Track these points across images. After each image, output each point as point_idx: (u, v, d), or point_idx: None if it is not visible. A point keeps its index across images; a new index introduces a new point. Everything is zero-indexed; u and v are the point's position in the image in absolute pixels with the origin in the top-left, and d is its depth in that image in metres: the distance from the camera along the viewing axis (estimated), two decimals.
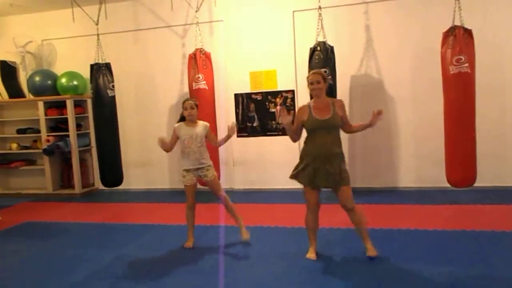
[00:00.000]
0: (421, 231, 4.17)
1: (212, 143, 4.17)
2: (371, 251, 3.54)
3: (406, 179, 5.90)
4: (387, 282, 3.18)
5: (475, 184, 4.98)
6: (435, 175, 5.51)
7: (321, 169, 3.47)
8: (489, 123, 5.41)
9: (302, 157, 3.60)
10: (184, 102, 4.06)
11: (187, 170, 4.04)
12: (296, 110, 3.71)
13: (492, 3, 5.45)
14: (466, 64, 4.68)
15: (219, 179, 5.94)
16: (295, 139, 3.69)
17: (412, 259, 3.51)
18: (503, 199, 5.07)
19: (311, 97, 3.73)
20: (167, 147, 4.09)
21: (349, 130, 3.69)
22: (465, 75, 4.70)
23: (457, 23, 4.78)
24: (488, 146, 5.37)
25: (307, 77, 3.63)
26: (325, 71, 5.28)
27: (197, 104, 4.08)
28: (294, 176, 3.65)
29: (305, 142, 3.61)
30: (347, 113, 3.77)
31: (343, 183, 3.50)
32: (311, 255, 3.65)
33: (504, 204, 4.91)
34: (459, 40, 4.71)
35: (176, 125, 4.11)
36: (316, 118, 3.49)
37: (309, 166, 3.51)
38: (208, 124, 4.15)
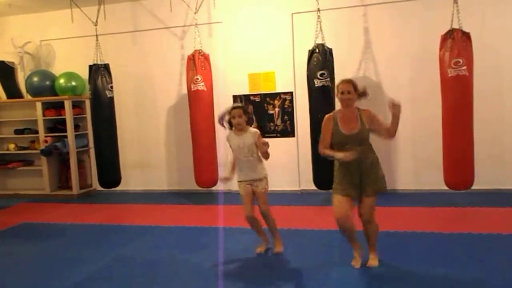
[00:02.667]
0: (418, 234, 4.18)
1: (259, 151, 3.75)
2: (373, 261, 3.47)
3: (404, 182, 5.91)
4: (385, 284, 3.18)
5: (473, 187, 4.99)
6: (433, 178, 5.51)
7: (354, 182, 3.31)
8: (487, 126, 5.42)
9: (336, 171, 3.42)
10: (232, 109, 3.75)
11: (240, 181, 3.80)
12: (323, 121, 3.43)
13: (490, 6, 5.46)
14: (464, 67, 4.70)
15: (216, 182, 5.98)
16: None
17: (410, 262, 3.51)
18: (501, 202, 5.08)
19: (341, 104, 3.43)
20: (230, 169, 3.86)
21: (388, 135, 3.36)
22: (463, 78, 4.72)
23: (455, 26, 4.79)
24: (486, 149, 5.38)
25: (337, 85, 3.42)
26: (323, 73, 5.32)
27: (246, 110, 3.77)
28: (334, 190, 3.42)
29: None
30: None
31: (369, 194, 3.33)
32: (355, 262, 3.47)
33: (502, 207, 4.92)
34: (457, 43, 4.73)
35: (227, 135, 3.86)
36: (343, 133, 3.30)
37: (344, 182, 3.34)
38: (257, 131, 3.79)
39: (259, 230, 3.92)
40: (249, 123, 3.84)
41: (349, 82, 3.37)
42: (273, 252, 3.88)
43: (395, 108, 3.23)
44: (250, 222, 3.83)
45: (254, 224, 3.87)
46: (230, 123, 3.79)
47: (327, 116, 3.46)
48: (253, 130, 3.79)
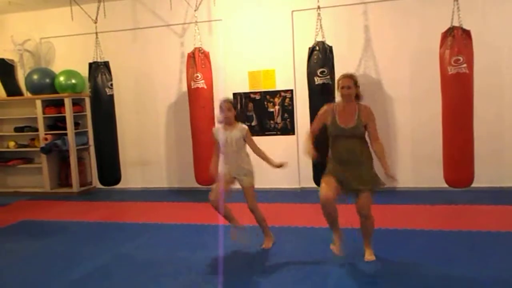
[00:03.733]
0: (418, 231, 4.18)
1: (251, 149, 3.83)
2: (370, 255, 3.51)
3: (404, 179, 5.89)
4: (384, 282, 3.19)
5: (473, 185, 4.99)
6: (433, 176, 5.51)
7: (345, 174, 3.38)
8: (487, 124, 5.42)
9: (328, 161, 3.50)
10: (221, 103, 3.81)
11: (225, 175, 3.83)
12: (321, 109, 3.55)
13: (490, 4, 5.46)
14: (465, 65, 4.69)
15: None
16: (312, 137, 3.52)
17: (409, 259, 3.52)
18: (500, 200, 5.08)
19: (342, 99, 3.50)
20: (215, 164, 3.88)
21: (374, 146, 3.44)
22: (463, 75, 4.71)
23: (456, 23, 4.79)
24: (486, 146, 5.38)
25: (338, 80, 3.51)
26: (323, 71, 5.31)
27: (235, 105, 3.81)
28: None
29: (330, 147, 3.51)
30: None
31: (364, 189, 3.37)
32: (334, 247, 3.56)
33: (501, 205, 4.92)
34: (457, 40, 4.72)
35: (214, 128, 3.91)
36: (339, 126, 3.39)
37: (335, 169, 3.43)
38: (246, 127, 3.85)
39: (228, 215, 3.88)
40: (239, 119, 3.89)
41: (349, 77, 3.46)
42: (261, 247, 3.92)
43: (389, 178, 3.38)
44: (214, 206, 3.76)
45: (219, 208, 3.77)
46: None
47: (327, 105, 3.55)
48: (242, 126, 3.84)
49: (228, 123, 3.81)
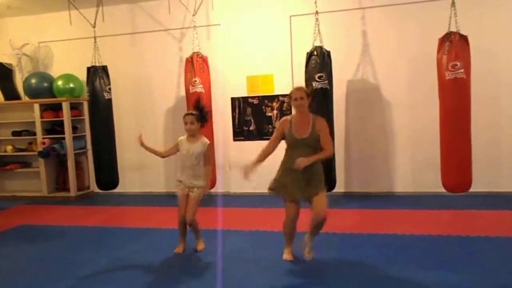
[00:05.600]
0: (416, 236, 4.18)
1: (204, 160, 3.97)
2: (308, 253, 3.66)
3: (402, 184, 5.92)
4: (382, 286, 3.18)
5: (470, 190, 5.00)
6: (431, 180, 5.53)
7: (295, 183, 3.52)
8: (484, 129, 5.43)
9: (280, 169, 3.65)
10: (184, 116, 3.95)
11: (180, 181, 3.96)
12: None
13: (488, 10, 5.49)
14: (462, 70, 4.71)
15: (214, 184, 5.98)
16: (269, 151, 3.67)
17: (407, 264, 3.51)
18: (498, 205, 5.10)
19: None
20: (159, 154, 4.08)
21: (321, 151, 3.56)
22: (460, 80, 4.73)
23: (453, 29, 4.81)
24: (483, 151, 5.39)
25: (290, 93, 3.66)
26: (321, 76, 5.32)
27: (198, 118, 3.91)
28: (272, 189, 3.70)
29: (285, 155, 3.64)
30: (329, 129, 3.73)
31: (314, 193, 3.53)
32: (287, 256, 3.73)
33: (499, 210, 4.93)
34: (455, 46, 4.74)
35: (179, 138, 4.03)
36: (294, 136, 3.54)
37: (285, 178, 3.57)
38: (207, 142, 3.97)
39: (184, 233, 4.05)
40: (203, 121, 4.00)
41: (300, 89, 3.64)
42: (196, 250, 4.05)
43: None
44: (181, 223, 3.97)
45: (182, 227, 4.00)
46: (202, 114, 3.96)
47: (284, 118, 3.75)
48: (204, 140, 3.95)
49: (191, 135, 3.92)
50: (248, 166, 3.58)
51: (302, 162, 3.38)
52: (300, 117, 3.59)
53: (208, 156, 3.99)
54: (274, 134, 3.72)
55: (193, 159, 3.88)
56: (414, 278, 3.26)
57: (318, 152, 3.52)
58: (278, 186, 3.63)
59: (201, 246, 4.10)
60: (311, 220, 3.58)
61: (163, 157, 4.20)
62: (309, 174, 3.50)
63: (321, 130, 3.55)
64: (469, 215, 4.88)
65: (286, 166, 3.57)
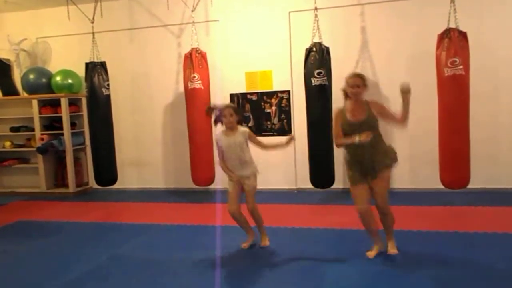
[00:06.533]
0: (414, 232, 4.19)
1: (259, 147, 3.92)
2: (393, 249, 3.63)
3: (400, 181, 5.92)
4: (381, 282, 3.19)
5: (469, 186, 5.01)
6: (429, 177, 5.53)
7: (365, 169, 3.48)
8: (483, 125, 5.44)
9: (347, 164, 3.60)
10: (224, 108, 3.83)
11: (231, 176, 3.87)
12: (334, 113, 3.66)
13: (487, 6, 5.48)
14: (461, 67, 4.71)
15: (213, 180, 5.98)
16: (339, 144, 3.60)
17: (406, 261, 3.52)
18: (496, 201, 5.11)
19: (346, 97, 3.60)
20: (222, 163, 3.93)
21: (400, 121, 3.50)
22: (459, 77, 4.73)
23: (452, 25, 4.80)
24: (482, 148, 5.40)
25: (347, 79, 3.54)
26: (320, 72, 5.32)
27: (237, 110, 3.87)
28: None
29: (345, 149, 3.58)
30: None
31: (379, 175, 3.48)
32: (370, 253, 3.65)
33: (497, 206, 4.94)
34: (454, 42, 4.74)
35: (216, 135, 3.97)
36: (350, 121, 3.46)
37: (356, 169, 3.52)
38: (247, 130, 3.92)
39: (245, 225, 4.01)
40: (241, 122, 3.95)
41: (357, 76, 3.53)
42: (260, 246, 3.98)
43: (404, 90, 3.42)
44: (235, 217, 3.92)
45: (240, 220, 3.95)
46: (218, 120, 3.88)
47: (336, 109, 3.65)
48: (243, 129, 3.89)
49: (230, 128, 3.85)
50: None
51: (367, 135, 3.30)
52: (354, 105, 3.50)
53: (257, 139, 3.92)
54: (335, 129, 3.57)
55: (238, 151, 3.81)
56: (412, 275, 3.27)
57: (377, 134, 3.44)
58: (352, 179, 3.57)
59: (265, 241, 4.00)
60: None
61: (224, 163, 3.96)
62: (376, 156, 3.43)
63: (381, 109, 3.48)
64: (467, 211, 4.89)
65: (350, 157, 3.52)
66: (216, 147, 4.02)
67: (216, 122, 3.94)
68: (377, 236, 3.66)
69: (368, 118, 3.45)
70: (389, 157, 3.54)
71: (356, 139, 3.37)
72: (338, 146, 3.64)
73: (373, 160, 3.46)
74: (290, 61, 6.14)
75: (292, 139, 3.87)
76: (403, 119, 3.48)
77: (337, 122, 3.56)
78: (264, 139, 3.95)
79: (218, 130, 4.06)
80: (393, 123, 3.59)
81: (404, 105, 3.44)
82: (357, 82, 3.47)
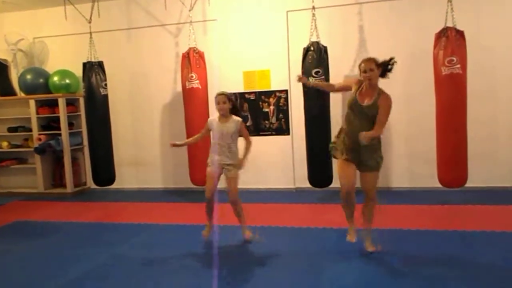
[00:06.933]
0: (412, 231, 4.20)
1: (244, 137, 4.02)
2: (371, 247, 3.64)
3: (398, 180, 5.93)
4: (379, 281, 3.20)
5: (466, 185, 5.03)
6: (427, 176, 5.54)
7: (352, 148, 3.50)
8: (481, 124, 5.45)
9: (339, 135, 3.66)
10: (216, 96, 3.96)
11: (213, 161, 3.99)
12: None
13: (484, 5, 5.49)
14: (458, 65, 4.72)
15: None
16: (332, 86, 3.87)
17: (403, 259, 3.53)
18: (494, 200, 5.12)
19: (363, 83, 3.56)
20: (194, 143, 4.16)
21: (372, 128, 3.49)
22: (457, 76, 4.74)
23: (449, 24, 4.81)
24: (480, 146, 5.41)
25: (360, 66, 3.53)
26: (318, 71, 5.33)
27: (230, 98, 3.96)
28: (331, 149, 3.71)
29: (344, 120, 3.65)
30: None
31: (368, 169, 3.51)
32: (349, 237, 3.72)
33: (495, 205, 4.95)
34: (451, 41, 4.75)
35: (209, 119, 4.11)
36: (356, 101, 3.49)
37: (346, 147, 3.54)
38: (240, 119, 4.00)
39: (211, 214, 4.10)
40: (236, 111, 4.04)
41: (369, 60, 3.51)
42: (245, 239, 4.06)
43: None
44: (209, 202, 4.04)
45: (209, 207, 4.07)
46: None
47: (358, 79, 3.61)
48: (236, 118, 3.97)
49: (223, 115, 3.94)
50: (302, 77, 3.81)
51: (366, 135, 3.29)
52: (369, 88, 3.49)
53: (246, 133, 4.04)
54: (343, 83, 3.69)
55: (228, 138, 3.93)
56: (409, 274, 3.28)
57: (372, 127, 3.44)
58: (335, 149, 3.65)
59: (248, 234, 4.08)
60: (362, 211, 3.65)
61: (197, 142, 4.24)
62: (368, 148, 3.45)
63: (382, 106, 3.45)
64: (465, 210, 4.90)
65: (346, 133, 3.54)
66: (204, 128, 4.12)
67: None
68: (353, 216, 3.74)
69: (371, 106, 3.44)
70: (375, 160, 3.53)
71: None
72: (313, 83, 3.88)
73: (363, 153, 3.47)
74: (288, 60, 6.14)
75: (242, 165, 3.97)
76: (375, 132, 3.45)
77: (349, 84, 3.66)
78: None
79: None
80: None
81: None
82: (370, 66, 3.45)
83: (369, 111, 3.45)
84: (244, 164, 3.98)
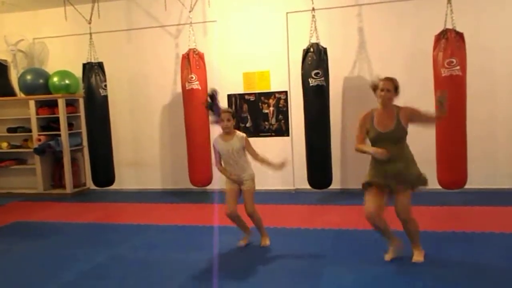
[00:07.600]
0: None
1: (251, 156, 3.92)
2: (418, 257, 3.47)
3: None
4: (378, 283, 3.20)
5: (466, 186, 5.03)
6: (426, 177, 5.53)
7: (386, 175, 3.35)
8: (480, 125, 5.45)
9: (369, 167, 3.48)
10: (221, 113, 3.84)
11: (229, 178, 3.93)
12: (359, 118, 3.50)
13: (483, 7, 5.50)
14: (458, 67, 4.73)
15: (211, 181, 5.98)
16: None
17: (402, 261, 3.52)
18: (494, 201, 5.12)
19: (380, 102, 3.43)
20: (219, 165, 3.97)
21: (433, 120, 3.48)
22: (456, 77, 4.75)
23: (449, 26, 4.82)
24: (479, 148, 5.41)
25: (378, 82, 3.41)
26: (318, 73, 5.33)
27: (234, 115, 3.93)
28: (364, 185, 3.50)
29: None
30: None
31: (402, 188, 3.35)
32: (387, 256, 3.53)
33: (494, 206, 4.96)
34: (450, 43, 4.76)
35: (214, 140, 3.99)
36: (377, 130, 3.34)
37: (376, 174, 3.40)
38: (244, 135, 3.94)
39: (243, 224, 4.05)
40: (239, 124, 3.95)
41: (389, 80, 3.40)
42: (260, 245, 4.00)
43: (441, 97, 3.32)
44: (232, 218, 3.96)
45: (236, 220, 3.99)
46: (213, 108, 3.83)
47: (365, 113, 3.48)
48: (240, 134, 3.91)
49: (227, 133, 3.89)
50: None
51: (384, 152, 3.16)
52: (384, 110, 3.37)
53: (252, 150, 3.92)
54: (358, 134, 3.44)
55: (235, 156, 3.86)
56: (409, 275, 3.27)
57: (403, 145, 3.34)
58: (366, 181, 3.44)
59: (266, 241, 4.02)
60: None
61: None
62: (398, 167, 3.30)
63: (412, 115, 3.34)
64: (465, 211, 4.90)
65: (376, 165, 3.38)
66: (213, 150, 4.06)
67: (215, 119, 3.92)
68: (391, 236, 3.52)
69: (396, 128, 3.32)
70: (413, 175, 3.40)
71: (372, 151, 3.28)
72: (357, 151, 3.48)
73: (398, 170, 3.33)
74: (287, 61, 6.14)
75: (283, 165, 3.91)
76: (435, 119, 3.48)
77: (362, 126, 3.42)
78: (259, 151, 3.95)
79: (216, 131, 4.07)
80: (429, 124, 3.47)
81: (437, 107, 3.39)
82: (388, 87, 3.34)
83: (396, 133, 3.33)
84: (282, 164, 3.90)
